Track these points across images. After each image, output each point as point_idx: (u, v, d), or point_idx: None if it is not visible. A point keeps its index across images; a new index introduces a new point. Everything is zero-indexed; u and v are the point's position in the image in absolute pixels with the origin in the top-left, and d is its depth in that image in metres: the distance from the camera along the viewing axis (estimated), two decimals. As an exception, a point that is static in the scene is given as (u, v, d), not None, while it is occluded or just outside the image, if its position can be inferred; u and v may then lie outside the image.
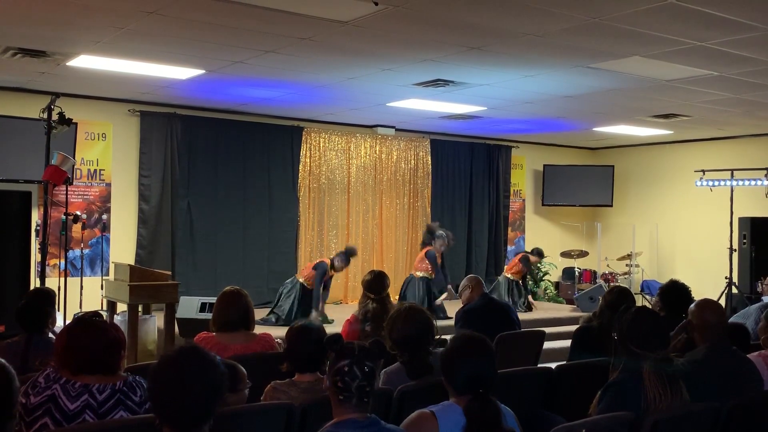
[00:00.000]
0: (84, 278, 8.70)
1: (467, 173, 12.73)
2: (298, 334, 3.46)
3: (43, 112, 6.81)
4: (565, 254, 12.64)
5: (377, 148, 11.78)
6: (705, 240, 12.26)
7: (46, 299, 4.38)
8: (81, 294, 8.37)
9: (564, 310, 11.08)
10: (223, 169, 10.37)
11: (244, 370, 3.17)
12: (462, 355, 2.81)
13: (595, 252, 13.22)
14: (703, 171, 11.26)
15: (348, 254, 9.14)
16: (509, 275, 10.58)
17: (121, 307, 7.86)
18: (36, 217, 8.74)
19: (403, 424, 2.76)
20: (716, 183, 11.23)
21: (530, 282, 12.08)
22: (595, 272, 12.75)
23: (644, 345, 3.15)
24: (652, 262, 13.17)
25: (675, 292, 4.86)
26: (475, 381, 2.71)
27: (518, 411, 2.90)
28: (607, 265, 12.78)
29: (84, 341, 2.84)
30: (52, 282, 7.60)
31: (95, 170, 9.53)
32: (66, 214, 7.91)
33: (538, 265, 12.80)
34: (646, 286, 12.58)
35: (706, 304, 3.84)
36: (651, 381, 3.08)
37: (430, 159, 12.30)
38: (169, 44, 6.66)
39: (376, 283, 5.34)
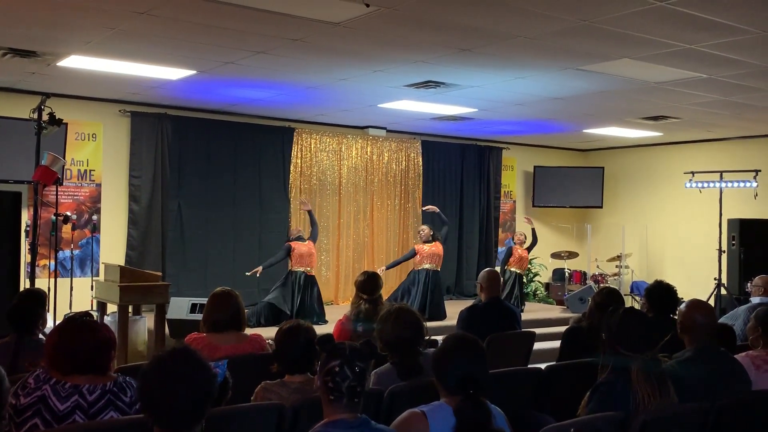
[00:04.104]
0: (74, 279, 8.67)
1: (458, 174, 12.76)
2: (286, 336, 3.46)
3: (33, 113, 6.78)
4: (556, 255, 12.67)
5: (368, 149, 11.79)
6: (694, 241, 12.32)
7: (38, 300, 4.37)
8: (71, 295, 8.34)
9: (554, 311, 11.12)
10: (213, 169, 10.36)
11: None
12: (453, 355, 2.83)
13: (585, 253, 13.26)
14: (693, 173, 11.32)
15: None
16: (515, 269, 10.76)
17: (111, 308, 7.84)
18: (26, 217, 8.70)
19: (393, 423, 2.77)
20: (705, 185, 11.29)
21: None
22: (585, 273, 12.79)
23: (632, 347, 3.16)
24: (642, 263, 13.23)
25: (661, 293, 4.89)
26: (466, 381, 2.72)
27: (508, 411, 2.91)
28: (597, 266, 12.83)
29: (75, 341, 2.83)
30: (42, 283, 7.57)
31: (85, 171, 9.51)
32: (56, 214, 7.89)
33: (528, 266, 12.86)
34: (635, 287, 12.62)
35: (696, 304, 3.83)
36: (639, 381, 3.10)
37: (421, 160, 12.32)
38: (160, 45, 6.65)
39: (369, 283, 5.35)
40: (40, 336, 4.23)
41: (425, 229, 10.10)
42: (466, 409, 2.64)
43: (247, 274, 9.26)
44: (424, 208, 10.74)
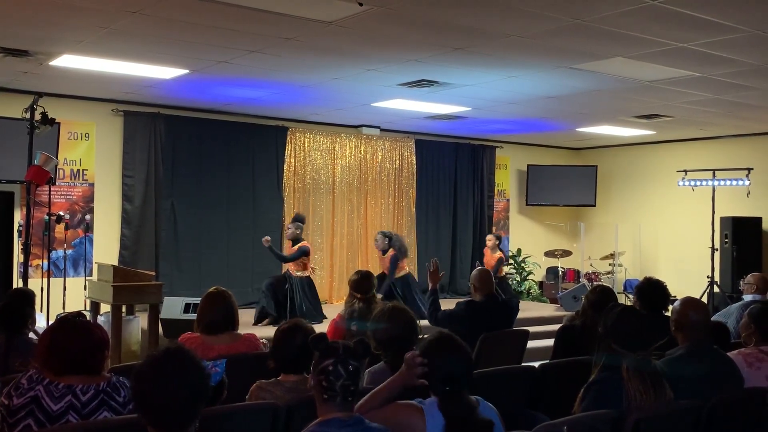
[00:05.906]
0: (67, 279, 8.65)
1: (452, 173, 12.77)
2: (285, 335, 3.46)
3: (25, 112, 6.76)
4: (549, 254, 12.69)
5: (362, 148, 11.79)
6: (687, 239, 12.36)
7: (26, 300, 4.36)
8: (64, 295, 8.32)
9: (548, 310, 11.13)
10: (207, 169, 10.34)
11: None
12: (432, 354, 2.82)
13: (578, 251, 13.28)
14: (686, 171, 11.36)
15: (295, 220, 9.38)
16: None
17: (105, 307, 7.82)
18: (18, 217, 8.69)
19: (389, 406, 2.76)
20: (698, 183, 11.32)
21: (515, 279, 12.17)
22: (578, 271, 12.81)
23: (626, 344, 3.17)
24: (635, 261, 13.26)
25: (651, 289, 4.87)
26: (446, 379, 2.73)
27: (502, 410, 2.91)
28: (591, 265, 12.84)
29: (68, 342, 2.83)
30: (35, 283, 7.55)
31: (78, 170, 9.48)
32: (49, 214, 7.86)
33: (522, 264, 12.88)
34: (629, 286, 12.64)
35: (690, 302, 3.82)
36: (631, 379, 3.10)
37: (414, 159, 12.32)
38: (153, 44, 6.64)
39: (362, 282, 5.36)
40: (30, 336, 4.22)
41: (378, 239, 9.91)
42: (448, 405, 2.66)
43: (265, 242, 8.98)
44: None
